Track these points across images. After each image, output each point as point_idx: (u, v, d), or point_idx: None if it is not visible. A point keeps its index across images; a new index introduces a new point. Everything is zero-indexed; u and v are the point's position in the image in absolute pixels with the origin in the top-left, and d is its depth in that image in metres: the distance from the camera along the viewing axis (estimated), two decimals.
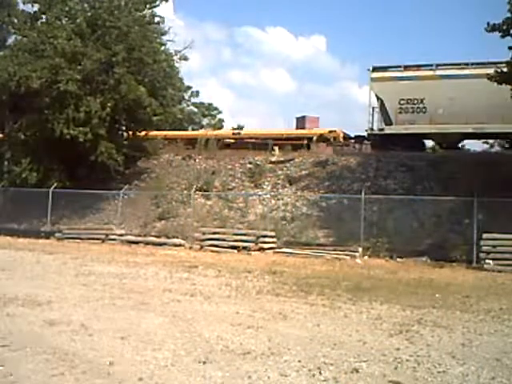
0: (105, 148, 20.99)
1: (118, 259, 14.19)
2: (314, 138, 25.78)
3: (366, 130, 24.38)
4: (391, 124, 23.28)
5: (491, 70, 21.30)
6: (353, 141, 25.84)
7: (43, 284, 9.78)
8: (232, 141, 27.37)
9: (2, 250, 15.64)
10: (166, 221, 20.51)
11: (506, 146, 23.55)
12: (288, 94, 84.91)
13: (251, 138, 26.45)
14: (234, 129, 23.44)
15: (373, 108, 23.85)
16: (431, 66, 23.48)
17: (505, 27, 15.73)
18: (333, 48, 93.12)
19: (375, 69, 24.21)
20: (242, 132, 29.87)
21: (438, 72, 22.98)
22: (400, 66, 24.07)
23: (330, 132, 26.16)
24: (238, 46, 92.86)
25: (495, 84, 20.25)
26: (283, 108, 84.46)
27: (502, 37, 15.90)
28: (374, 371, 5.08)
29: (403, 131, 22.74)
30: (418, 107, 22.81)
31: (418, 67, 23.67)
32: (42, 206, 21.20)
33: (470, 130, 22.02)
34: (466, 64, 22.59)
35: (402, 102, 23.01)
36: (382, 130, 23.40)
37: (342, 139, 25.99)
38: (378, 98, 23.68)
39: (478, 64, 22.34)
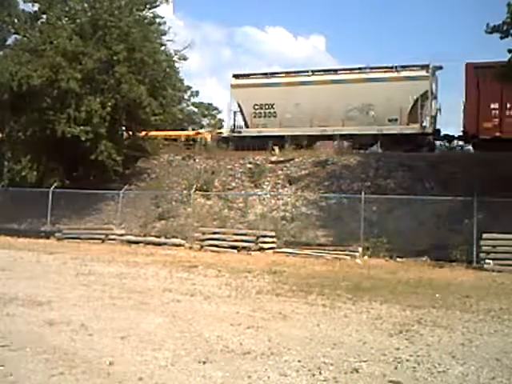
0: (104, 147, 20.96)
1: (118, 259, 14.19)
2: (182, 139, 28.19)
3: (225, 132, 27.05)
4: (248, 127, 25.56)
5: (335, 77, 23.93)
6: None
7: (43, 284, 9.77)
8: None
9: (2, 250, 15.63)
10: (165, 221, 20.48)
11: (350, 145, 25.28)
12: None
13: None
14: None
15: (234, 112, 26.36)
16: (281, 73, 25.75)
17: (505, 28, 15.69)
18: (332, 48, 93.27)
19: (235, 76, 26.35)
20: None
21: (287, 79, 24.95)
22: (258, 74, 26.30)
23: (198, 134, 28.91)
24: (237, 46, 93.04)
25: (336, 90, 22.79)
26: None
27: (502, 38, 15.87)
28: (374, 371, 5.08)
29: (257, 134, 24.85)
30: (269, 112, 25.08)
31: (272, 75, 25.88)
32: (42, 206, 21.17)
33: (315, 133, 23.83)
34: (312, 71, 24.69)
35: (255, 107, 25.24)
36: (239, 132, 25.96)
37: (210, 141, 28.38)
38: (237, 104, 25.82)
39: (321, 71, 24.68)
